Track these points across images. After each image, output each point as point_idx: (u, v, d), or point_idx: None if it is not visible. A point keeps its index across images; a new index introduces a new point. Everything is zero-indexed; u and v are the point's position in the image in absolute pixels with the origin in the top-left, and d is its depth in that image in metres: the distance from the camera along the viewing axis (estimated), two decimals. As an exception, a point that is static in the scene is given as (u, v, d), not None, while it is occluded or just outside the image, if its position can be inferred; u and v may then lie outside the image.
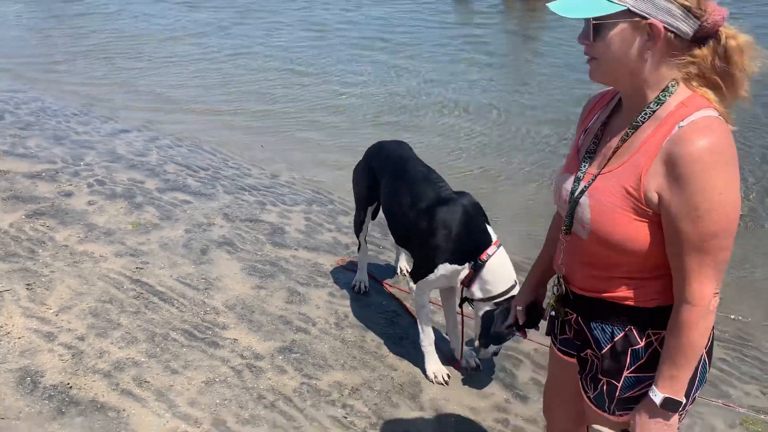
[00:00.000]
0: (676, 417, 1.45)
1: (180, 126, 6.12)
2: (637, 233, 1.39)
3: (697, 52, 1.37)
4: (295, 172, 5.25)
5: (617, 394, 1.54)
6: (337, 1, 11.78)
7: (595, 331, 1.55)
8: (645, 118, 1.40)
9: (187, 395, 2.67)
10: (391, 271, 3.82)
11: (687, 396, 1.46)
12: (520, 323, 1.86)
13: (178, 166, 5.10)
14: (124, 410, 2.56)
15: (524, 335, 1.92)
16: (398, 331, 3.23)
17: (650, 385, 1.46)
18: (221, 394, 2.69)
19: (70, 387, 2.65)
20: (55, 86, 7.30)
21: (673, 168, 1.32)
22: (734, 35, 1.36)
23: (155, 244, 3.88)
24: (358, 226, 3.43)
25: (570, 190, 1.51)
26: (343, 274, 3.71)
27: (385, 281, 3.69)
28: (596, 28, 1.36)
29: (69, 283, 3.38)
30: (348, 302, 3.44)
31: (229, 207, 4.46)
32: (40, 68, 8.09)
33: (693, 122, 1.32)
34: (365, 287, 3.54)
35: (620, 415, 1.56)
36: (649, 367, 1.48)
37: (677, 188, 1.31)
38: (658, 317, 1.46)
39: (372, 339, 3.16)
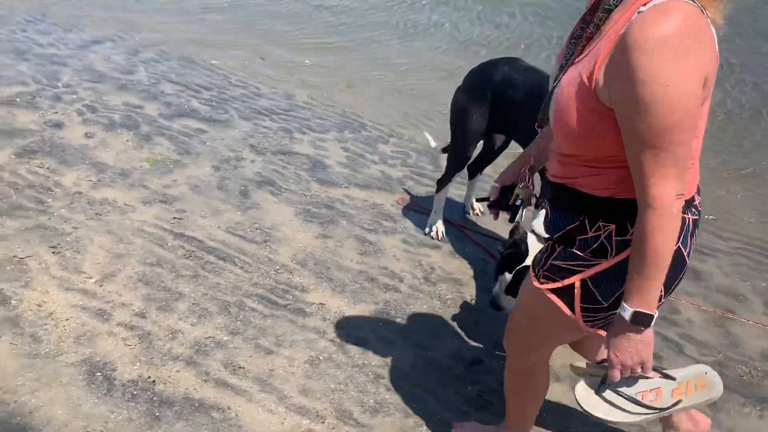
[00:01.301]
0: (650, 332, 1.39)
1: (157, 36, 5.30)
2: (591, 125, 1.32)
3: None
4: (312, 90, 4.65)
5: (551, 258, 1.52)
6: None
7: (557, 218, 1.51)
8: (617, 2, 1.31)
9: (295, 381, 2.27)
10: (458, 210, 3.43)
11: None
12: (491, 200, 1.80)
13: (176, 86, 4.41)
14: (228, 408, 2.13)
15: (495, 216, 1.84)
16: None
17: (580, 268, 1.45)
18: (333, 377, 2.30)
19: (153, 382, 2.19)
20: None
21: (621, 56, 1.22)
22: None
23: (184, 185, 3.33)
24: (459, 164, 3.00)
25: (554, 78, 1.46)
26: (409, 216, 3.30)
27: (456, 222, 3.31)
28: None
29: (101, 243, 2.82)
30: (429, 251, 3.05)
31: (253, 136, 3.88)
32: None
33: (653, 6, 1.22)
34: (443, 233, 3.16)
35: (541, 282, 1.53)
36: (587, 255, 1.46)
37: (622, 79, 1.23)
38: (610, 208, 1.41)
39: (471, 296, 2.80)
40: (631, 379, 1.51)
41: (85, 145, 3.60)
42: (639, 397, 1.53)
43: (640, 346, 1.40)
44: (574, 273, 1.48)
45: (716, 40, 1.28)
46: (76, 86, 4.27)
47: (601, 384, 1.54)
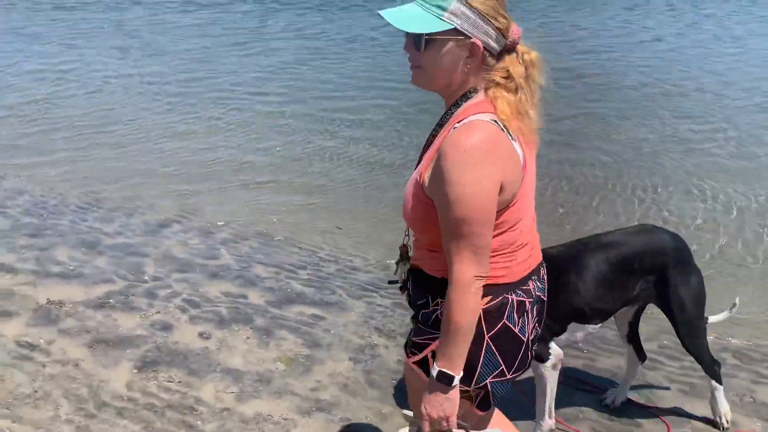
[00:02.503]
0: (455, 391, 1.61)
1: (223, 213, 5.12)
2: (423, 215, 1.61)
3: (500, 65, 1.59)
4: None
5: (412, 336, 1.78)
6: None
7: (414, 296, 1.79)
8: (446, 119, 1.63)
9: None
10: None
11: (471, 377, 1.65)
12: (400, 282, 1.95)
13: (269, 268, 4.20)
14: None
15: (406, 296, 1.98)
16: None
17: (429, 341, 1.69)
18: None
19: None
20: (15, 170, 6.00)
21: (438, 162, 1.53)
22: (527, 51, 1.61)
23: (332, 387, 3.05)
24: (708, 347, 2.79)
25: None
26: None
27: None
28: (427, 42, 1.55)
29: (279, 472, 2.49)
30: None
31: (373, 317, 3.66)
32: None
33: (464, 124, 1.53)
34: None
35: (408, 357, 1.77)
36: (430, 327, 1.70)
37: (435, 179, 1.54)
38: (444, 287, 1.59)
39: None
40: None
41: (205, 348, 3.31)
42: None
43: (444, 402, 1.61)
44: (426, 347, 1.72)
45: (519, 149, 1.57)
46: (165, 278, 4.02)
47: None
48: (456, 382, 1.59)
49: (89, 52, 10.01)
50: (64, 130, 6.91)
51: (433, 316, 1.69)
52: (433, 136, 1.66)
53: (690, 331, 2.68)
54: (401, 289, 1.91)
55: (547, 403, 2.65)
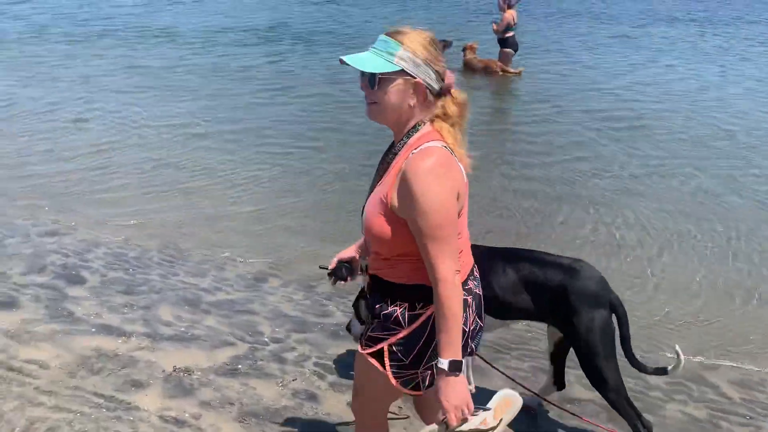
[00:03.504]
0: (464, 377, 1.88)
1: (309, 263, 4.94)
2: (387, 229, 1.91)
3: (440, 103, 1.95)
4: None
5: (368, 331, 2.05)
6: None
7: (373, 300, 2.07)
8: (400, 147, 1.96)
9: None
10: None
11: (421, 362, 1.97)
12: (329, 269, 2.33)
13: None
14: None
15: (333, 282, 2.35)
16: None
17: (386, 337, 1.98)
18: None
19: None
20: (84, 220, 5.75)
21: (404, 182, 1.85)
22: (458, 94, 1.98)
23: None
24: (623, 387, 2.89)
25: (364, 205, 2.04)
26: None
27: None
28: (380, 81, 1.90)
29: None
30: None
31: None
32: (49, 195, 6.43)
33: (420, 149, 1.87)
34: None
35: (363, 348, 2.04)
36: (387, 324, 1.99)
37: (407, 196, 1.84)
38: (403, 292, 1.97)
39: None
40: (463, 422, 1.90)
41: (361, 419, 3.13)
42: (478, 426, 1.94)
43: (460, 387, 1.87)
44: (382, 340, 2.00)
45: (462, 168, 1.95)
46: (286, 339, 3.85)
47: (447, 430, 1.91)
48: (462, 366, 1.88)
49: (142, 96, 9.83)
50: (128, 176, 6.71)
51: (393, 315, 1.98)
52: (387, 163, 1.98)
53: (592, 370, 2.84)
54: (333, 275, 2.32)
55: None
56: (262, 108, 9.24)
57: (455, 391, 1.85)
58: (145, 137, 7.88)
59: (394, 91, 1.90)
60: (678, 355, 2.86)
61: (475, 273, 2.14)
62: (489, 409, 1.98)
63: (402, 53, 1.89)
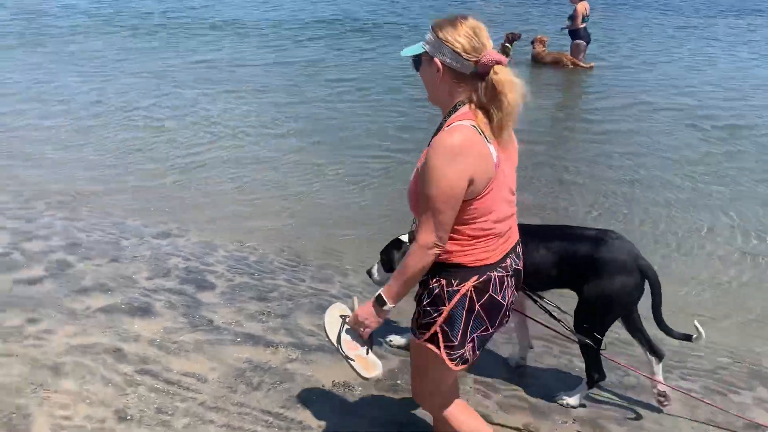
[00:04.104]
0: (381, 316, 2.21)
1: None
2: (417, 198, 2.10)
3: (478, 84, 2.04)
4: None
5: (417, 319, 2.21)
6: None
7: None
8: (440, 126, 2.12)
9: None
10: None
11: (465, 336, 2.16)
12: None
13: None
14: None
15: None
16: None
17: (437, 317, 2.14)
18: None
19: None
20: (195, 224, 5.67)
21: (426, 156, 2.04)
22: (499, 72, 2.01)
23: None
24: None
25: None
26: None
27: None
28: (416, 64, 2.17)
29: None
30: None
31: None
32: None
33: (449, 127, 2.04)
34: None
35: (418, 339, 2.22)
36: (433, 303, 2.15)
37: (422, 167, 2.04)
38: (441, 268, 2.13)
39: None
40: (355, 334, 2.31)
41: (544, 444, 2.97)
42: (344, 346, 2.32)
43: (370, 317, 2.20)
44: (432, 324, 2.15)
45: (493, 151, 2.04)
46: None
47: (345, 325, 2.33)
48: (387, 308, 2.17)
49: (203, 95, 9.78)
50: (222, 178, 6.63)
51: (434, 293, 2.14)
52: (433, 137, 2.10)
53: (585, 319, 3.05)
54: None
55: None
56: (339, 105, 9.12)
57: (366, 314, 2.21)
58: (230, 137, 7.81)
59: (425, 73, 2.14)
60: (697, 329, 3.12)
61: (518, 250, 2.29)
62: (367, 353, 2.32)
63: (428, 37, 2.09)
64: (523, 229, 3.14)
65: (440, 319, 2.13)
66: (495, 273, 2.16)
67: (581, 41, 11.77)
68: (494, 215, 2.10)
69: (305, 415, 3.12)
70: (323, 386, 3.34)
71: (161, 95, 9.37)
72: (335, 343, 2.35)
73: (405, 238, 3.32)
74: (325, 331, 2.39)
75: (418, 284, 2.20)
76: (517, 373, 3.55)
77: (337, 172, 6.70)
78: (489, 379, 3.47)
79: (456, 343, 2.15)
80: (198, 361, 3.50)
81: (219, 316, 3.98)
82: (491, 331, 2.22)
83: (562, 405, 3.25)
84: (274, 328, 3.87)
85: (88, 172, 6.63)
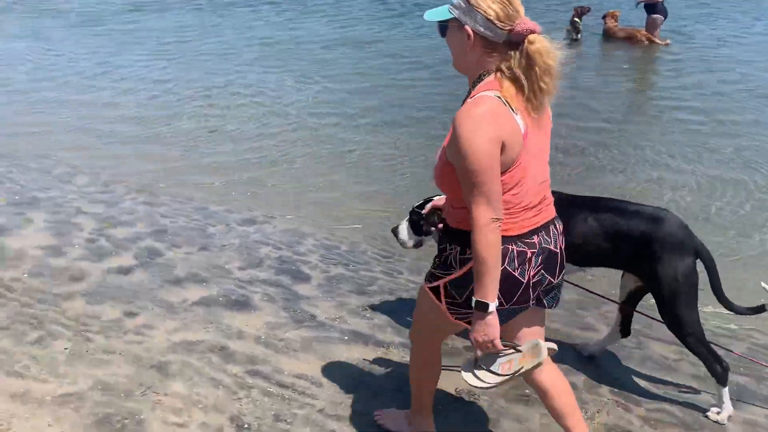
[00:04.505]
0: (494, 317, 2.02)
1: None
2: (444, 174, 2.06)
3: (510, 53, 1.95)
4: None
5: (431, 268, 2.25)
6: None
7: (439, 241, 2.29)
8: (466, 96, 2.04)
9: None
10: None
11: (435, 279, 2.21)
12: (423, 213, 3.00)
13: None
14: None
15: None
16: None
17: (442, 275, 2.17)
18: None
19: None
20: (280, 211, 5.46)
21: (453, 128, 1.94)
22: (534, 41, 1.92)
23: None
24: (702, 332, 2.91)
25: None
26: None
27: None
28: (442, 30, 2.06)
29: None
30: None
31: None
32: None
33: (473, 98, 1.96)
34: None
35: (426, 283, 2.26)
36: (444, 266, 2.17)
37: (450, 142, 1.95)
38: (456, 235, 2.11)
39: None
40: (491, 356, 2.15)
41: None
42: (499, 369, 2.15)
43: (486, 328, 2.04)
44: (440, 278, 2.18)
45: (520, 121, 1.95)
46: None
47: (475, 363, 2.18)
48: (492, 308, 2.00)
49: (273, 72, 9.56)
50: (303, 162, 6.42)
51: (449, 258, 2.13)
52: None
53: (673, 317, 2.85)
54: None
55: None
56: (413, 85, 8.74)
57: (480, 330, 2.04)
58: (306, 121, 7.56)
59: (453, 40, 2.03)
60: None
61: (551, 229, 2.16)
62: (519, 351, 2.14)
63: (456, 2, 1.99)
64: (571, 200, 2.98)
65: (447, 279, 2.14)
66: (514, 246, 2.05)
67: (659, 15, 11.12)
68: (521, 188, 2.02)
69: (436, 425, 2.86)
70: (448, 394, 3.07)
71: (231, 75, 9.18)
72: (493, 383, 2.16)
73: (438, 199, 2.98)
74: (480, 388, 2.21)
75: (440, 240, 2.26)
76: (654, 384, 3.22)
77: (425, 157, 6.37)
78: (625, 392, 3.15)
79: (460, 301, 2.13)
80: (308, 361, 3.27)
81: (321, 310, 3.75)
82: (507, 306, 2.10)
83: (716, 422, 2.93)
84: (381, 326, 3.62)
85: (162, 155, 6.49)
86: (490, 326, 2.03)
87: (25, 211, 4.92)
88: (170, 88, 8.66)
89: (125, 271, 4.08)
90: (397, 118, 7.45)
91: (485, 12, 1.92)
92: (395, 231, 3.21)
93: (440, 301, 2.18)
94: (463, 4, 1.96)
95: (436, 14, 2.03)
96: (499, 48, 1.96)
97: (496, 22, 1.93)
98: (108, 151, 6.60)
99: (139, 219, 4.90)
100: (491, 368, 2.16)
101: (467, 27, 1.96)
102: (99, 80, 9.10)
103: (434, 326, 2.38)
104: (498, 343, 2.07)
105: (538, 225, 2.11)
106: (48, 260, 4.15)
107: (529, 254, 2.08)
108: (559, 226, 2.23)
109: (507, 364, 2.15)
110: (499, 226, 1.95)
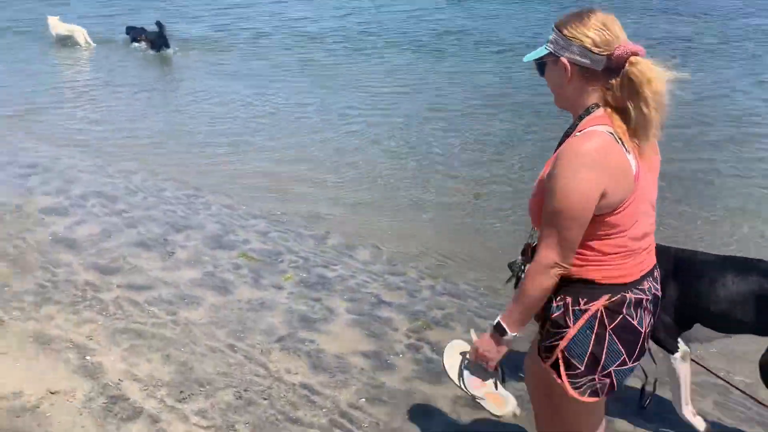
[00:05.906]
0: (503, 347, 1.99)
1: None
2: (540, 209, 1.89)
3: (612, 81, 1.83)
4: None
5: (541, 342, 2.00)
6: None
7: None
8: (571, 130, 1.90)
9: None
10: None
11: (596, 366, 1.90)
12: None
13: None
14: None
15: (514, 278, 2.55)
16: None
17: (559, 340, 1.92)
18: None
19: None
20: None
21: (555, 161, 1.82)
22: (636, 62, 1.79)
23: None
24: None
25: None
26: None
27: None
28: (541, 68, 1.98)
29: None
30: None
31: None
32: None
33: (583, 132, 1.83)
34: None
35: (543, 360, 1.99)
36: (556, 324, 1.94)
37: (549, 174, 1.83)
38: (567, 284, 1.91)
39: None
40: (480, 369, 2.12)
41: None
42: (470, 382, 2.16)
43: (492, 348, 2.00)
44: (555, 348, 1.93)
45: (632, 160, 1.81)
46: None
47: (465, 361, 2.18)
48: (508, 337, 1.94)
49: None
50: (372, 184, 6.56)
51: (558, 311, 1.92)
52: (559, 144, 1.91)
53: None
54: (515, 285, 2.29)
55: (682, 393, 2.84)
56: (473, 122, 8.41)
57: (486, 345, 2.00)
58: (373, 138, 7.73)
59: (551, 75, 1.95)
60: None
61: (655, 274, 2.05)
62: (497, 388, 2.15)
63: (552, 37, 1.92)
64: (713, 260, 2.83)
65: (562, 343, 1.92)
66: (631, 294, 1.92)
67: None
68: (632, 231, 1.89)
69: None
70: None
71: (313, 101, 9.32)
72: (458, 383, 2.18)
73: None
74: (446, 372, 2.23)
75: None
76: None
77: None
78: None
79: (581, 370, 1.91)
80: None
81: (398, 333, 3.87)
82: (630, 364, 1.94)
83: None
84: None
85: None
86: (498, 351, 1.99)
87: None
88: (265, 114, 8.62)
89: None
90: (469, 145, 7.47)
91: (581, 41, 1.83)
92: (511, 266, 2.79)
93: (561, 377, 1.93)
94: (559, 39, 1.88)
95: (534, 54, 1.96)
96: (600, 77, 1.85)
97: (593, 48, 1.83)
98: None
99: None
100: (464, 375, 2.17)
101: (563, 59, 1.87)
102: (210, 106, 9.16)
103: (578, 425, 2.11)
104: (493, 365, 2.05)
105: (647, 270, 1.99)
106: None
107: (644, 302, 1.96)
108: (658, 271, 2.09)
109: (480, 386, 2.17)
110: (559, 273, 1.86)
